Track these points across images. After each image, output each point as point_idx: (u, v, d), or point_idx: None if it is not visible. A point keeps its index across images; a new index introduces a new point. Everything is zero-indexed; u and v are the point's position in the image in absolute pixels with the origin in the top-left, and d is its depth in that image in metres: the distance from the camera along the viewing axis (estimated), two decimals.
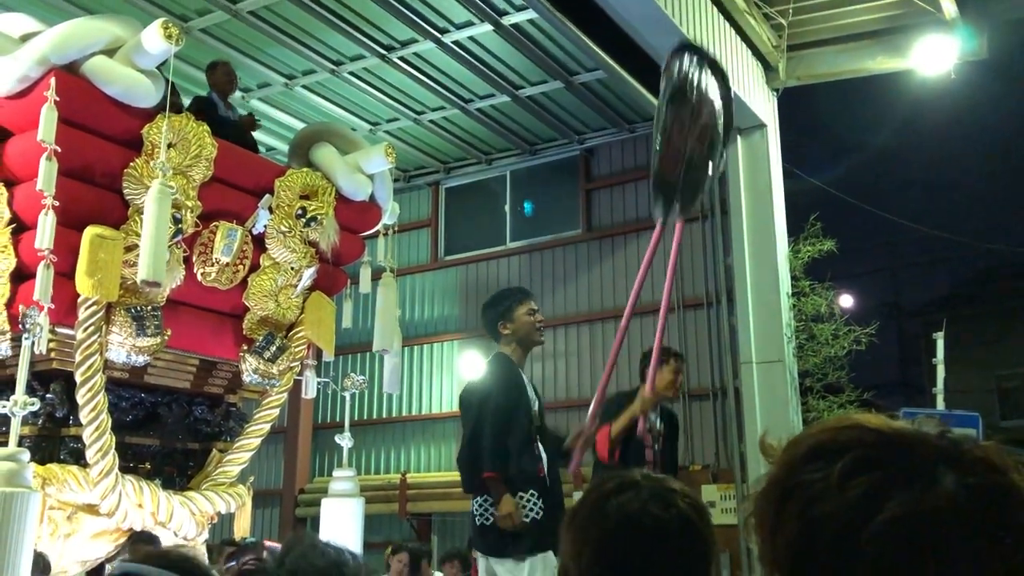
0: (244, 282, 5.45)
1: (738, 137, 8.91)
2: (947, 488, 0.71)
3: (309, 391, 6.04)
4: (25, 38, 4.74)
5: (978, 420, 5.88)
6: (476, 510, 4.11)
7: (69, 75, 4.63)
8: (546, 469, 4.17)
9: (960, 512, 0.70)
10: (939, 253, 17.38)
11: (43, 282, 4.27)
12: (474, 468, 4.09)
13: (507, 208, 10.98)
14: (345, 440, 5.89)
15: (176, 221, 4.78)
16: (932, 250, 17.32)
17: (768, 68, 8.90)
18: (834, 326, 8.63)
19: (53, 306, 4.30)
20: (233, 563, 4.42)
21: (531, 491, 4.03)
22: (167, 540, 5.13)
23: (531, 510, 4.00)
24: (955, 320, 8.29)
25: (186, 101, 6.02)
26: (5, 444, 4.07)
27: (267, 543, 5.78)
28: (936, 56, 8.16)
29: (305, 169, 5.75)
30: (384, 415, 11.19)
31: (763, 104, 8.81)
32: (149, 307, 4.83)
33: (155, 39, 4.67)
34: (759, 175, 8.80)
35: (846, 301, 9.60)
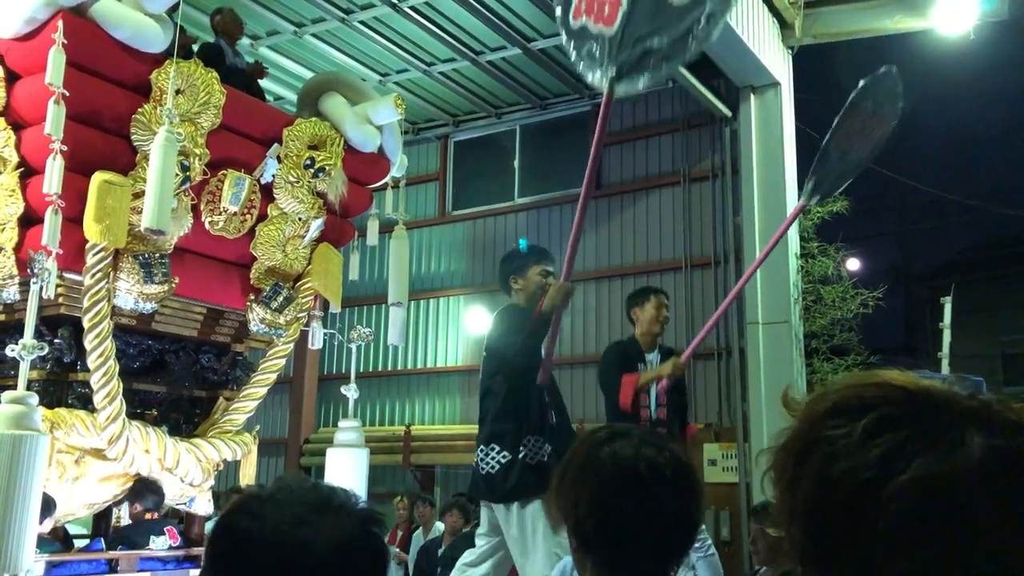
0: (252, 232, 5.45)
1: (751, 95, 8.81)
2: (974, 450, 0.68)
3: (315, 342, 6.07)
4: None
5: (982, 385, 5.89)
6: (480, 458, 4.06)
7: (77, 17, 4.58)
8: (554, 418, 4.15)
9: (986, 474, 0.67)
10: (949, 217, 17.26)
11: (51, 227, 4.27)
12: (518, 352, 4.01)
13: (516, 163, 10.90)
14: (351, 391, 5.93)
15: (184, 169, 4.76)
16: (942, 214, 17.19)
17: (784, 25, 8.76)
18: (842, 288, 8.61)
19: (61, 251, 4.31)
20: None
21: (539, 436, 4.01)
22: (173, 486, 5.21)
23: (539, 453, 3.97)
24: (961, 285, 8.25)
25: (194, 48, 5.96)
26: (14, 387, 4.10)
27: None
28: (956, 16, 8.02)
29: (314, 119, 5.71)
30: (390, 368, 11.25)
31: (778, 62, 8.69)
32: (157, 255, 4.83)
33: None
34: (771, 134, 8.72)
35: (853, 264, 9.56)
